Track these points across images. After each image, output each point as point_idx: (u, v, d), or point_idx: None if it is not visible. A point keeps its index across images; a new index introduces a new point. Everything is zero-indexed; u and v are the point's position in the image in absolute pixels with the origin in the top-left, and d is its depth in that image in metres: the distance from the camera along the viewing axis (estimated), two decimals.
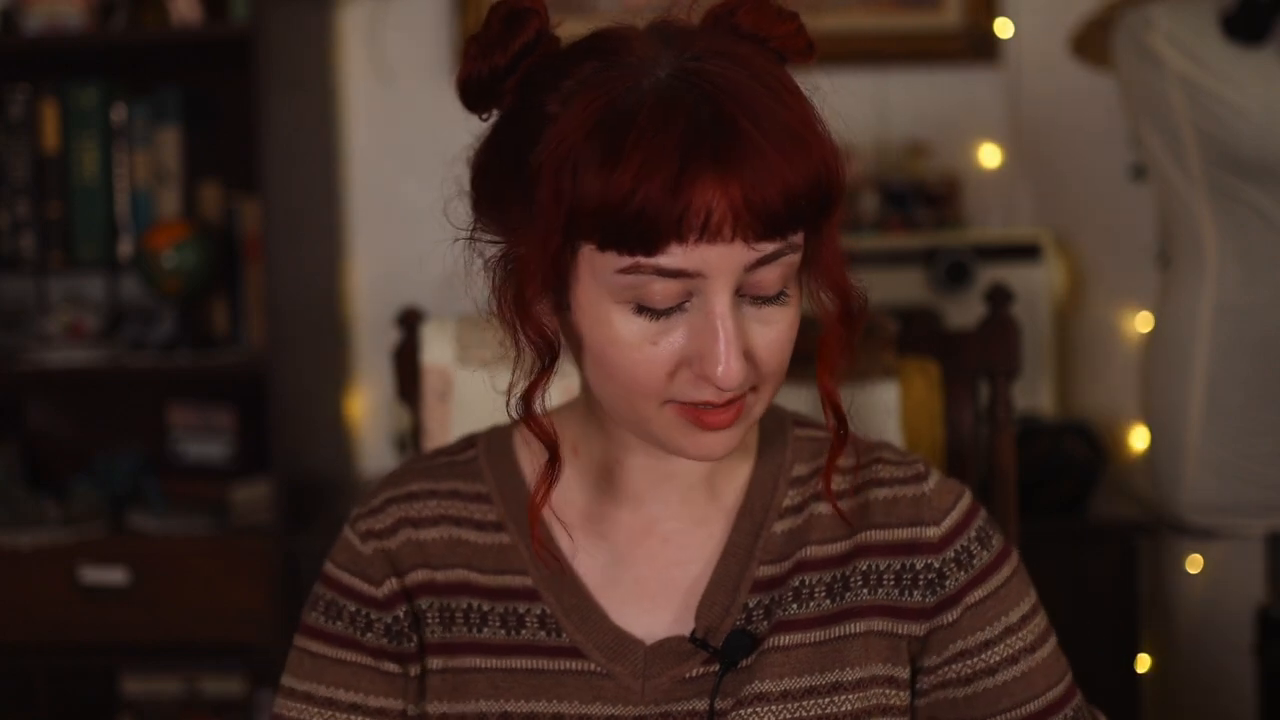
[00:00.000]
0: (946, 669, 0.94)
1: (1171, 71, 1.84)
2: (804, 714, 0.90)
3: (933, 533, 0.95)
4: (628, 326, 0.82)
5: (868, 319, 1.26)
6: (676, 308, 0.81)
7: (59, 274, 2.37)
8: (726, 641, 0.90)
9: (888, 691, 0.92)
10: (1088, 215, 2.39)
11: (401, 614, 0.95)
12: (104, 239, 2.28)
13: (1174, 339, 1.90)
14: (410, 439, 1.34)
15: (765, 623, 0.92)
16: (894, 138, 2.36)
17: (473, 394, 1.28)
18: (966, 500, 0.97)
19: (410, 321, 1.34)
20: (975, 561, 0.95)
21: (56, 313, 2.29)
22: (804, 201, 0.80)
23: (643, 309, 0.81)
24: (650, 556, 0.94)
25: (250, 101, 2.08)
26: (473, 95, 0.87)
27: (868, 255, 2.19)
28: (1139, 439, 2.19)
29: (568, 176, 0.79)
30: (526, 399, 0.86)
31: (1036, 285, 2.18)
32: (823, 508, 0.95)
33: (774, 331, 0.84)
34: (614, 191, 0.77)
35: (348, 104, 2.46)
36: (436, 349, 1.30)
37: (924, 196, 2.31)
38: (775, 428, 0.99)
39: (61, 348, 2.21)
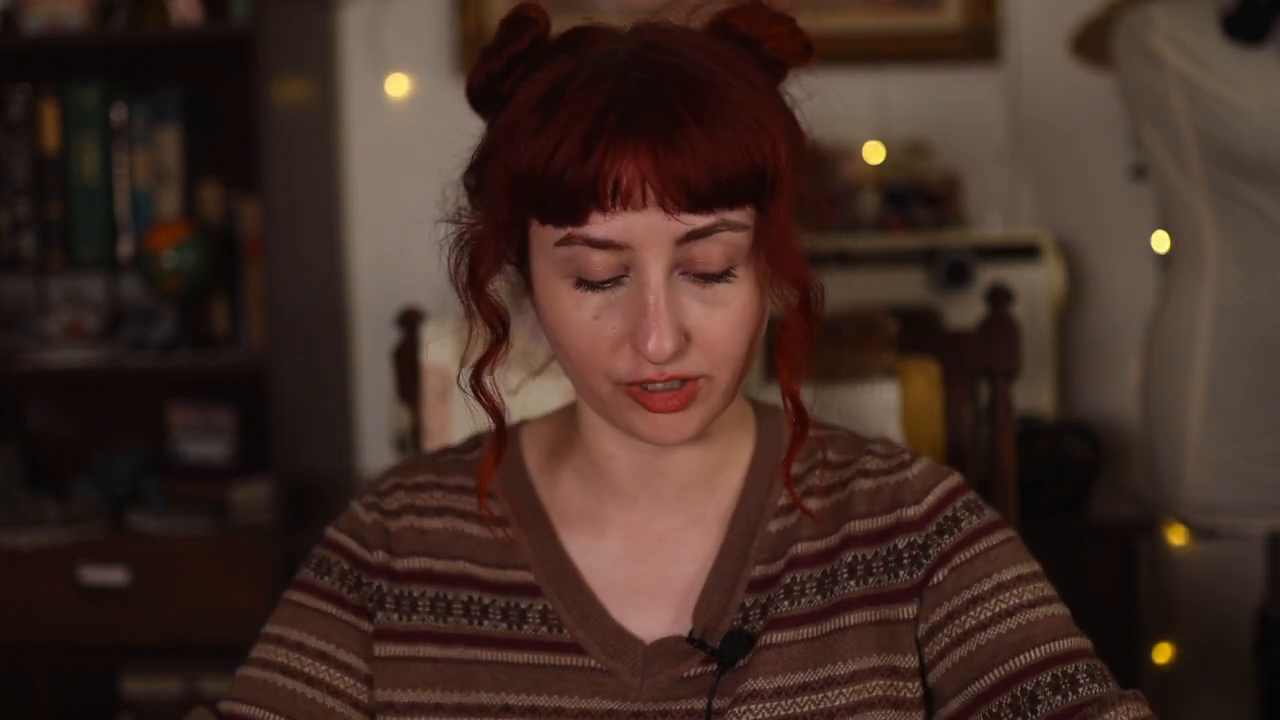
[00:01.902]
0: (941, 635, 0.90)
1: (1172, 71, 1.84)
2: (798, 710, 0.89)
3: (913, 511, 0.94)
4: (571, 302, 0.84)
5: (871, 320, 1.27)
6: (614, 282, 0.83)
7: (59, 274, 2.37)
8: (724, 642, 0.90)
9: (889, 683, 0.90)
10: (1088, 215, 2.39)
11: (384, 585, 0.96)
12: (104, 239, 2.28)
13: (1174, 339, 1.90)
14: (410, 439, 1.34)
15: (761, 621, 0.92)
16: (894, 138, 2.36)
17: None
18: (953, 480, 0.96)
19: (410, 321, 1.34)
20: (962, 526, 0.93)
21: (56, 313, 2.28)
22: (728, 178, 0.81)
23: (582, 283, 0.84)
24: (646, 555, 0.94)
25: (250, 101, 2.08)
26: (476, 101, 0.91)
27: (868, 255, 2.19)
28: (1139, 439, 2.19)
29: (511, 147, 0.83)
30: (476, 371, 0.89)
31: (1036, 285, 2.18)
32: (811, 503, 0.95)
33: (721, 314, 0.84)
34: (539, 157, 0.81)
35: (348, 103, 2.46)
36: (436, 349, 1.30)
37: (924, 196, 2.31)
38: (774, 426, 0.99)
39: (61, 348, 2.21)
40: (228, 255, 2.28)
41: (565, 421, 0.99)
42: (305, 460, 2.20)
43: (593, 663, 0.92)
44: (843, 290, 2.12)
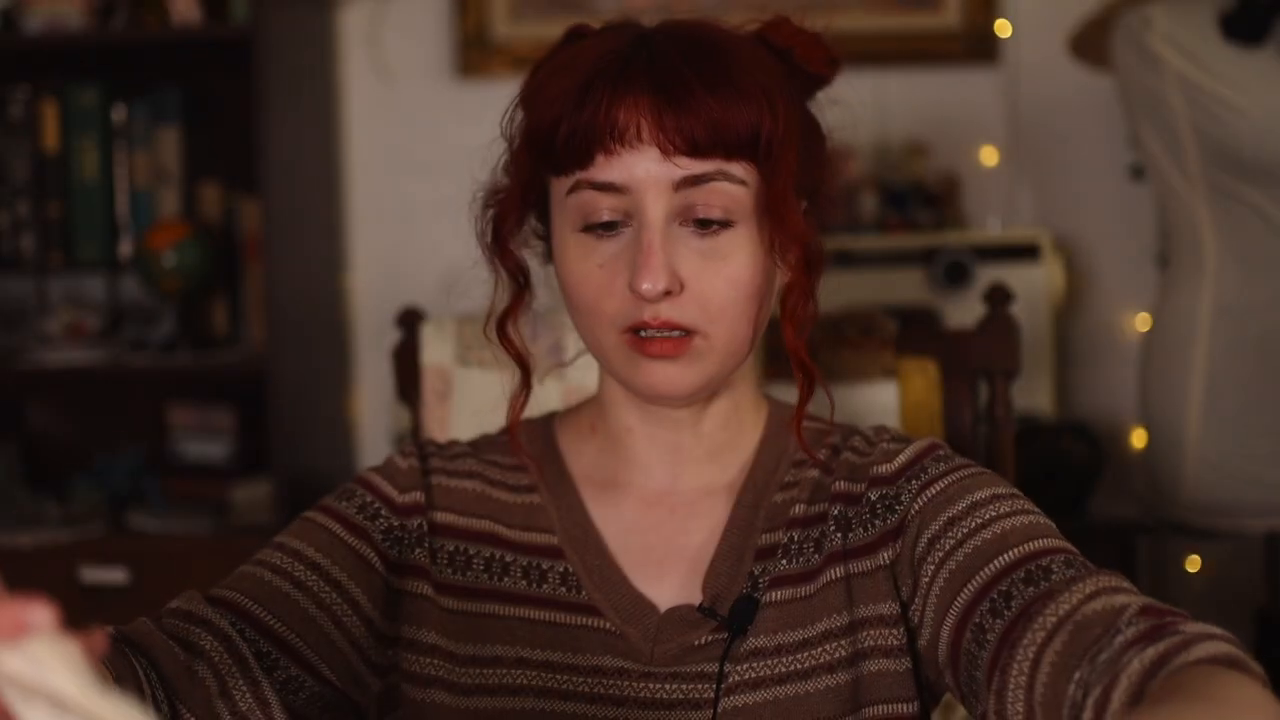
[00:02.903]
0: (925, 565, 0.88)
1: (1170, 72, 1.84)
2: (798, 666, 0.91)
3: (886, 468, 0.94)
4: (581, 252, 0.90)
5: (871, 320, 1.27)
6: (619, 231, 0.89)
7: (59, 274, 2.37)
8: (732, 610, 0.92)
9: (879, 632, 0.91)
10: (1087, 215, 2.39)
11: (413, 525, 0.97)
12: (104, 239, 2.28)
13: (1173, 339, 1.90)
14: (410, 439, 1.35)
15: (766, 586, 0.94)
16: (894, 138, 2.37)
17: (473, 394, 1.28)
18: (926, 442, 0.96)
19: (410, 321, 1.35)
20: (929, 470, 0.93)
21: (56, 313, 2.29)
22: (725, 129, 0.86)
23: (589, 230, 0.89)
24: (659, 525, 0.97)
25: (250, 101, 2.08)
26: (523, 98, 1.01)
27: (868, 255, 2.19)
28: (1139, 439, 2.19)
29: (528, 110, 0.92)
30: (501, 322, 0.96)
31: (1036, 285, 2.18)
32: (812, 473, 0.97)
33: (718, 267, 0.88)
34: (548, 109, 0.88)
35: (348, 104, 2.46)
36: (436, 349, 1.31)
37: (923, 196, 2.31)
38: (785, 416, 1.01)
39: (61, 348, 2.21)
40: (228, 255, 2.28)
41: (593, 404, 1.02)
42: (305, 460, 2.21)
43: (608, 625, 0.93)
44: (843, 290, 2.12)
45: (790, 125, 0.90)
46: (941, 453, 0.95)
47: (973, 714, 0.84)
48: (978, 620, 0.83)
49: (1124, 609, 0.75)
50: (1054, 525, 0.88)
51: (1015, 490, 0.91)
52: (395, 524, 0.97)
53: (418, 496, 0.98)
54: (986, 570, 0.84)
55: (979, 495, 0.89)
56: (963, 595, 0.85)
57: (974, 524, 0.87)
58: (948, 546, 0.87)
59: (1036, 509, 0.90)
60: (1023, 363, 1.33)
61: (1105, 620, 0.75)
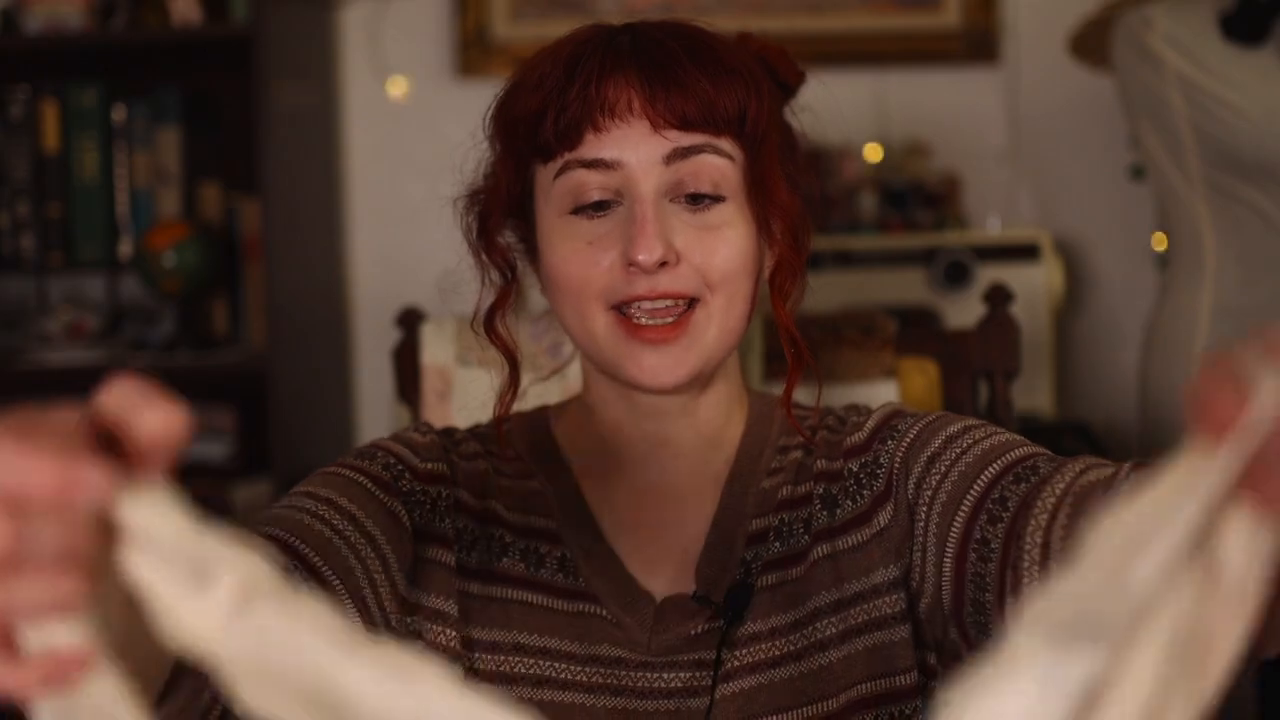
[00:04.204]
0: (918, 509, 0.90)
1: (1170, 72, 1.84)
2: (791, 648, 0.92)
3: (857, 437, 0.97)
4: (569, 232, 0.90)
5: (871, 320, 1.28)
6: (609, 210, 0.89)
7: (59, 274, 2.37)
8: (727, 597, 0.92)
9: (872, 604, 0.92)
10: (1087, 215, 2.39)
11: (439, 494, 0.95)
12: (104, 239, 2.28)
13: (1173, 339, 1.90)
14: (417, 422, 1.35)
15: (759, 570, 0.95)
16: (894, 138, 2.37)
17: (473, 394, 1.28)
18: (891, 406, 0.99)
19: (410, 321, 1.35)
20: (899, 427, 0.95)
21: (56, 313, 2.29)
22: (713, 105, 0.87)
23: (578, 210, 0.89)
24: (651, 518, 0.97)
25: (250, 102, 2.08)
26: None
27: (868, 255, 2.19)
28: (1139, 439, 2.19)
29: (509, 102, 0.92)
30: (489, 316, 0.96)
31: (1036, 285, 2.18)
32: (795, 455, 0.98)
33: (712, 237, 0.89)
34: (534, 95, 0.88)
35: (348, 104, 2.46)
36: (436, 349, 1.31)
37: (923, 196, 2.31)
38: (765, 406, 1.03)
39: (61, 348, 2.21)
40: (228, 255, 2.28)
41: (579, 404, 1.02)
42: (305, 460, 2.20)
43: (605, 613, 0.94)
44: (843, 290, 2.12)
45: (774, 111, 0.91)
46: (906, 411, 0.97)
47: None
48: (979, 536, 0.83)
49: (1119, 471, 0.75)
50: (1026, 440, 0.89)
51: (985, 420, 0.93)
52: (418, 488, 0.94)
53: (442, 468, 0.96)
54: (975, 488, 0.85)
55: (951, 430, 0.91)
56: (958, 519, 0.86)
57: (954, 454, 0.88)
58: (934, 483, 0.89)
59: (1006, 430, 0.91)
60: (1023, 363, 1.33)
61: (1104, 484, 0.75)
